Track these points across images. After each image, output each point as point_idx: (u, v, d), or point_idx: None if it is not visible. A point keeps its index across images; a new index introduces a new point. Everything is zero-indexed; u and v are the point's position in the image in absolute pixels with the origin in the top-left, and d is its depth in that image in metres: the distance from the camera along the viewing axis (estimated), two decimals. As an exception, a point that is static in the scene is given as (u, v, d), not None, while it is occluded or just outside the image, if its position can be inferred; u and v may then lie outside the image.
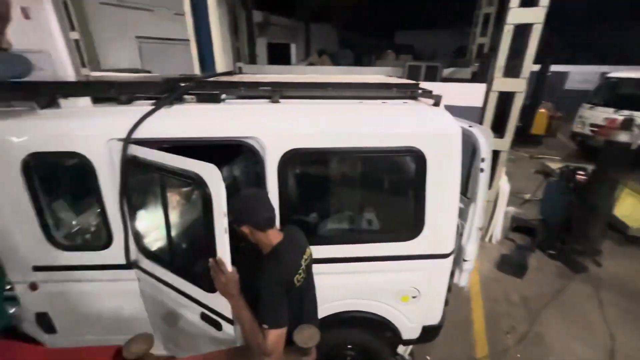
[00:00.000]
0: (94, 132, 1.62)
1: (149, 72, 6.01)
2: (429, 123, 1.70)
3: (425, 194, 1.73)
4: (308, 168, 1.95)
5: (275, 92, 1.81)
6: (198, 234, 1.63)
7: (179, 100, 1.74)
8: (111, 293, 1.91)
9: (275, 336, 1.32)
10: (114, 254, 1.78)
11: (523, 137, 8.57)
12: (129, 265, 1.80)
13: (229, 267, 1.36)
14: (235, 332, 1.52)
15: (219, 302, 1.48)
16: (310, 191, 2.06)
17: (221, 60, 3.94)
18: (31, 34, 5.16)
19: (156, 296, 1.84)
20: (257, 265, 1.43)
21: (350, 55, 9.31)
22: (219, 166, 1.28)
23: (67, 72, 5.53)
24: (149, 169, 1.54)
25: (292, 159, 1.66)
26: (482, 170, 2.12)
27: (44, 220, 1.74)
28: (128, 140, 1.57)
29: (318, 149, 1.65)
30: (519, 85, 3.48)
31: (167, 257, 1.74)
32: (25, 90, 1.75)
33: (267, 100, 1.79)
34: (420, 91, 1.94)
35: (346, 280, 1.95)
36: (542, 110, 9.08)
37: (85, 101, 1.72)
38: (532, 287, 3.70)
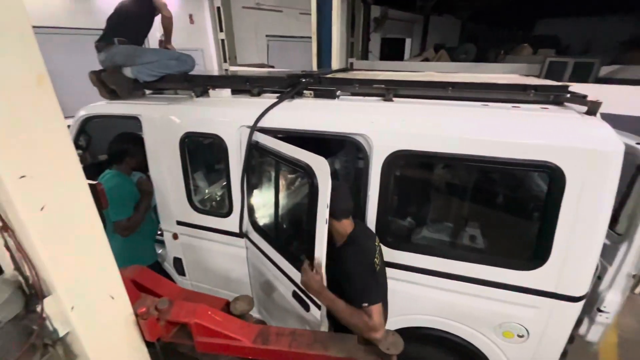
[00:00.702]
0: (230, 119, 1.92)
1: (272, 66, 6.74)
2: (575, 135, 1.38)
3: (558, 220, 1.43)
4: (414, 171, 1.87)
5: (389, 90, 1.78)
6: (300, 219, 1.76)
7: (299, 94, 1.90)
8: (225, 255, 2.27)
9: (377, 311, 1.36)
10: (232, 222, 2.10)
11: None
12: (241, 234, 2.10)
13: (323, 258, 1.44)
14: (320, 317, 1.60)
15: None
16: (413, 195, 1.97)
17: (337, 56, 4.11)
18: (193, 36, 6.49)
19: (258, 265, 2.10)
20: (332, 256, 1.50)
21: (473, 50, 8.30)
22: (324, 158, 1.36)
23: (214, 66, 6.74)
24: (267, 154, 1.74)
25: (399, 160, 1.61)
26: (649, 202, 1.62)
27: (188, 185, 2.18)
28: (254, 128, 1.81)
29: (428, 153, 1.55)
30: None
31: (272, 233, 1.95)
32: (188, 82, 2.21)
33: (380, 98, 1.78)
34: (567, 95, 1.60)
35: (437, 296, 1.80)
36: None
37: (227, 92, 2.06)
38: None
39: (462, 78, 1.95)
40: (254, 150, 1.86)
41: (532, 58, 6.24)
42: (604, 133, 1.35)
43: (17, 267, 1.03)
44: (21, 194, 0.90)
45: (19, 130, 0.88)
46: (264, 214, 2.11)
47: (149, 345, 1.39)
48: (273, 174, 1.84)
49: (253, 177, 2.00)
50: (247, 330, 1.40)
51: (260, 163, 2.01)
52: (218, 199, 2.51)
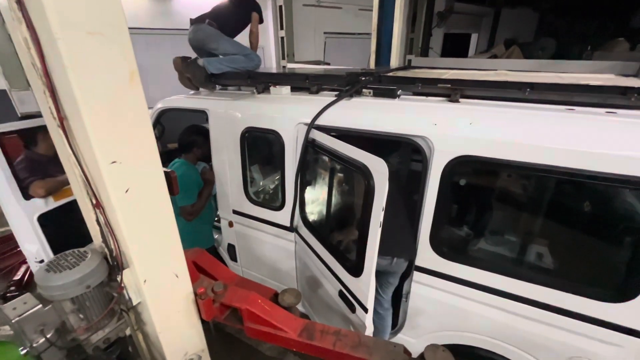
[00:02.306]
0: (288, 116, 1.97)
1: (328, 63, 6.77)
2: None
3: (657, 248, 1.21)
4: (478, 179, 1.72)
5: (456, 90, 1.66)
6: (353, 219, 1.75)
7: (358, 93, 1.87)
8: (275, 246, 2.35)
9: None
10: (283, 216, 2.16)
11: None
12: (292, 229, 2.15)
13: (375, 259, 1.40)
14: (366, 320, 1.57)
15: (360, 288, 1.57)
16: (477, 204, 1.83)
17: (396, 54, 3.97)
18: (256, 34, 6.83)
19: (306, 260, 2.14)
20: None
21: (552, 46, 7.34)
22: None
23: (272, 63, 7.01)
24: (324, 152, 1.75)
25: (462, 166, 1.50)
26: None
27: (245, 177, 2.29)
28: (311, 126, 1.82)
29: (497, 161, 1.41)
30: None
31: (322, 231, 1.96)
32: (250, 79, 2.32)
33: (445, 98, 1.67)
34: (683, 100, 1.33)
35: (497, 317, 1.64)
36: None
37: (286, 89, 2.12)
38: None
39: (543, 78, 1.74)
40: (310, 148, 1.88)
41: (629, 55, 5.33)
42: None
43: (104, 241, 1.17)
44: (112, 177, 1.02)
45: (114, 121, 0.99)
46: (316, 211, 2.13)
47: (202, 323, 1.50)
48: (328, 172, 1.85)
49: (307, 174, 2.03)
50: (293, 323, 1.43)
51: (316, 161, 2.03)
52: (271, 192, 2.60)
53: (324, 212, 1.88)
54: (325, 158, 1.79)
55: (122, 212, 1.08)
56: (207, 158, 2.45)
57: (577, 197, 1.56)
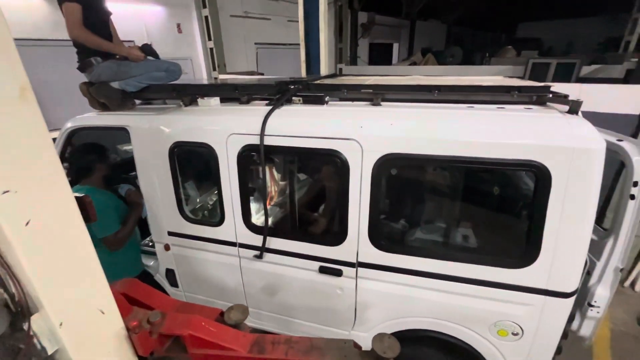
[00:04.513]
0: (220, 128, 1.91)
1: (262, 74, 6.76)
2: (558, 134, 1.42)
3: (545, 218, 1.46)
4: (404, 174, 1.89)
5: (377, 95, 1.80)
6: (326, 201, 1.96)
7: (289, 101, 1.91)
8: (218, 264, 2.24)
9: None
10: (224, 231, 2.08)
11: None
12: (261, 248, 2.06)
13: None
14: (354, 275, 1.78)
15: (342, 253, 1.83)
16: (404, 197, 1.99)
17: (325, 63, 4.15)
18: (181, 45, 6.49)
19: (266, 269, 2.10)
20: None
21: (459, 53, 8.50)
22: None
23: (203, 75, 6.74)
24: (277, 154, 1.81)
25: (388, 163, 1.63)
26: (632, 197, 1.66)
27: (179, 195, 2.15)
28: (263, 133, 1.76)
29: (416, 155, 1.57)
30: None
31: (287, 227, 2.05)
32: (176, 91, 2.20)
33: (369, 102, 1.80)
34: (549, 95, 1.64)
35: (432, 298, 1.80)
36: None
37: (215, 101, 2.06)
38: (697, 360, 2.72)
39: (448, 81, 1.99)
40: (253, 155, 1.88)
41: (516, 60, 6.40)
42: (585, 131, 1.39)
43: (2, 284, 1.00)
44: (5, 210, 0.88)
45: (3, 146, 0.86)
46: (272, 214, 2.15)
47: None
48: (288, 170, 1.95)
49: (256, 183, 2.03)
50: (242, 340, 1.38)
51: (256, 170, 2.03)
52: (210, 207, 2.49)
53: (287, 209, 1.96)
54: (278, 160, 1.87)
55: (24, 247, 0.93)
56: (111, 178, 2.19)
57: (482, 182, 1.81)
